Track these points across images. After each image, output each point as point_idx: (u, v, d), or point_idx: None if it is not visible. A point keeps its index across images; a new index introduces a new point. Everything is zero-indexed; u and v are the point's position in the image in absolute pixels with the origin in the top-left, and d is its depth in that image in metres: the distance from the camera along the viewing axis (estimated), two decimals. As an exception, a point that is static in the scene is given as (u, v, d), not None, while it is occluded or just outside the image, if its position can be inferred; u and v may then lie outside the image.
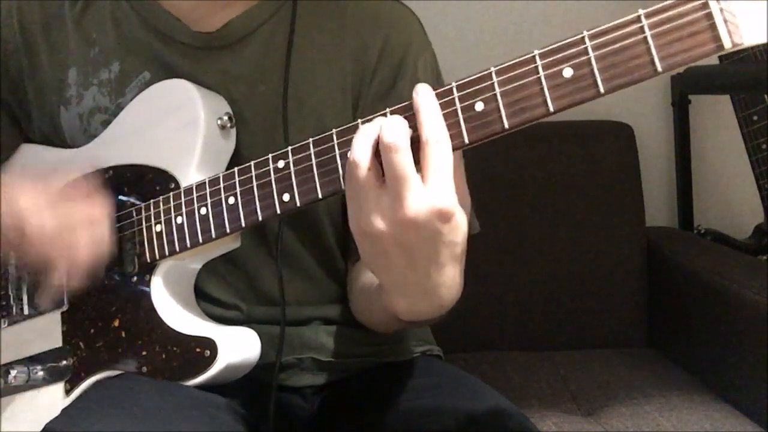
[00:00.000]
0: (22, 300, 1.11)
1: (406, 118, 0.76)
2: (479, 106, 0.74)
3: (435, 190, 0.73)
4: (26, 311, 1.10)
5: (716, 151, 2.20)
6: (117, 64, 1.08)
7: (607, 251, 1.92)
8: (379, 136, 0.74)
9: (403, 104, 0.78)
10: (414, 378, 1.09)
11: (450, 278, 0.80)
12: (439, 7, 2.08)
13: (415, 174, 0.73)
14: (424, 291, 0.81)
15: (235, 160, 1.00)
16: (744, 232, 2.09)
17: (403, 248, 0.76)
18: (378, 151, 0.75)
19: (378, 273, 0.84)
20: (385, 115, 0.79)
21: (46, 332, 1.08)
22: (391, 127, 0.73)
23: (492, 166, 1.88)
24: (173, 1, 1.06)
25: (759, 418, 1.48)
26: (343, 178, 0.81)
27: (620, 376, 1.69)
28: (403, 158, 0.73)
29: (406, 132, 0.74)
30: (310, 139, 0.84)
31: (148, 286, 0.99)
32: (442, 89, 0.76)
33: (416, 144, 0.74)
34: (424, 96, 0.76)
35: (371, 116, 0.80)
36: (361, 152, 0.75)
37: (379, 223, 0.75)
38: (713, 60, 1.85)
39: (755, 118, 1.95)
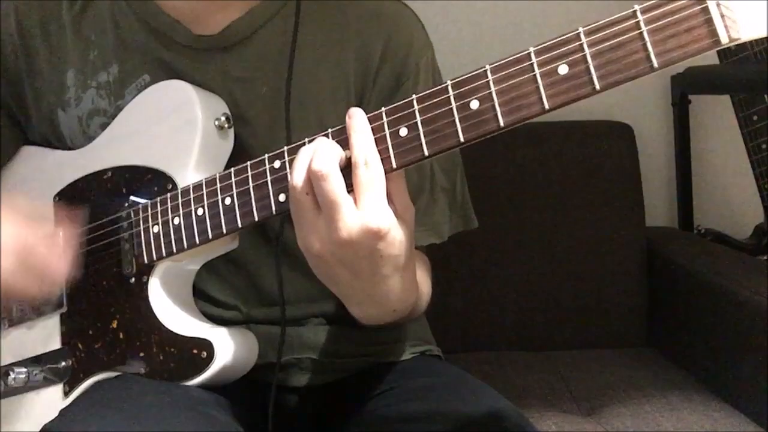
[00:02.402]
0: (22, 301, 1.11)
1: (342, 141, 0.80)
2: (474, 105, 0.74)
3: (366, 212, 0.76)
4: (26, 313, 1.10)
5: (716, 151, 2.19)
6: (116, 67, 1.08)
7: (607, 251, 1.92)
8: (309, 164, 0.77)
9: (340, 127, 0.81)
10: (413, 378, 1.09)
11: (397, 287, 0.85)
12: (439, 7, 2.08)
13: (346, 197, 0.76)
14: (373, 300, 0.87)
15: (238, 161, 1.00)
16: (744, 232, 2.09)
17: (344, 265, 0.81)
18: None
19: (328, 285, 0.88)
20: (327, 135, 0.82)
21: (45, 334, 1.08)
22: (319, 155, 0.77)
23: (492, 166, 1.87)
24: (173, 3, 1.06)
25: (759, 418, 1.47)
26: None
27: (620, 376, 1.68)
28: (331, 185, 0.76)
29: (334, 158, 0.77)
30: (306, 140, 0.84)
31: (146, 287, 1.00)
32: (438, 88, 0.76)
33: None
34: (356, 120, 0.79)
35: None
36: (298, 177, 0.79)
37: (317, 244, 0.80)
38: (713, 60, 1.85)
39: (755, 118, 1.95)
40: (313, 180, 0.77)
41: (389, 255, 0.80)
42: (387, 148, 0.79)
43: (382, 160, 0.79)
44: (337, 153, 0.79)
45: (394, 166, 0.79)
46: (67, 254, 1.04)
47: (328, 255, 0.80)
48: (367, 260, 0.80)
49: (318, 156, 0.77)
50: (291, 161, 0.85)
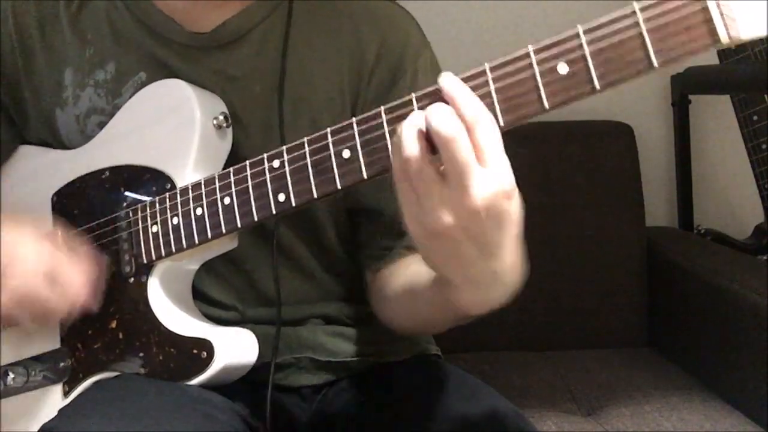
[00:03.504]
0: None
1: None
2: (474, 104, 0.74)
3: (494, 171, 0.71)
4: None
5: (716, 151, 2.19)
6: (112, 65, 1.08)
7: (607, 251, 1.92)
8: (432, 131, 0.71)
9: (427, 90, 0.76)
10: (412, 378, 1.09)
11: (516, 259, 0.79)
12: (439, 7, 2.08)
13: (475, 159, 0.71)
14: (494, 277, 0.79)
15: (233, 160, 0.99)
16: (744, 232, 2.09)
17: (472, 237, 0.74)
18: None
19: (446, 270, 0.81)
20: (409, 103, 0.77)
21: (44, 334, 1.07)
22: (443, 118, 0.70)
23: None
24: (168, 1, 1.06)
25: (759, 418, 1.48)
26: (339, 177, 0.81)
27: (620, 376, 1.68)
28: (463, 145, 0.70)
29: (457, 118, 0.71)
30: (305, 139, 0.84)
31: (145, 287, 0.99)
32: (436, 87, 0.76)
33: None
34: (453, 83, 0.73)
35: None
36: (412, 148, 0.71)
37: (446, 217, 0.72)
38: (713, 60, 1.85)
39: (755, 118, 1.95)
40: (442, 146, 0.70)
41: (514, 221, 0.74)
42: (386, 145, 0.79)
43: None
44: (454, 112, 0.72)
45: None
46: (88, 276, 1.01)
47: (456, 230, 0.72)
48: (496, 228, 0.73)
49: (443, 120, 0.70)
50: (291, 160, 0.85)
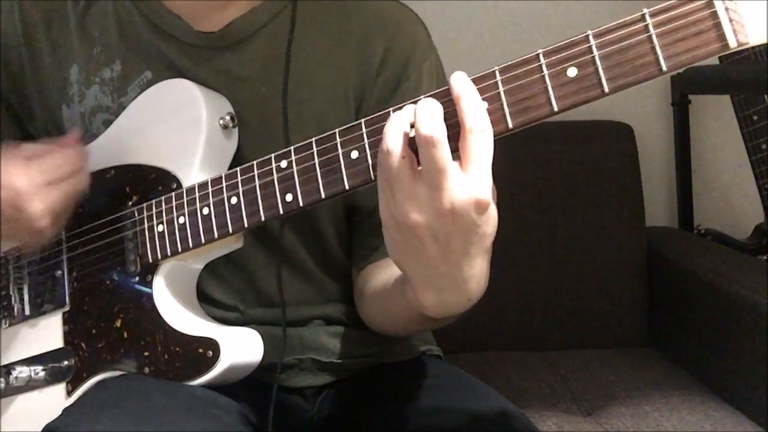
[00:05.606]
0: (23, 300, 1.11)
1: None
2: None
3: (474, 180, 0.72)
4: (27, 311, 1.10)
5: (716, 151, 2.20)
6: (119, 63, 1.08)
7: (607, 251, 1.93)
8: (415, 127, 0.72)
9: (437, 92, 0.76)
10: (414, 378, 1.09)
11: (480, 271, 0.80)
12: (439, 7, 2.08)
13: (453, 164, 0.72)
14: (454, 284, 0.80)
15: (237, 161, 1.00)
16: (744, 232, 2.10)
17: (436, 239, 0.75)
18: (410, 139, 0.73)
19: (407, 265, 0.82)
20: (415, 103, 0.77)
21: (47, 333, 1.08)
22: (427, 119, 0.71)
23: (492, 166, 1.87)
24: (176, 1, 1.06)
25: (759, 418, 1.48)
26: (347, 178, 0.82)
27: (620, 376, 1.69)
28: (442, 151, 0.71)
29: (442, 122, 0.72)
30: (313, 139, 0.84)
31: (150, 286, 0.99)
32: (445, 89, 0.76)
33: (453, 131, 0.72)
34: (463, 84, 0.74)
35: (374, 116, 0.80)
36: (393, 141, 0.73)
37: (414, 213, 0.74)
38: (713, 60, 1.85)
39: (755, 118, 1.96)
40: (421, 146, 0.71)
41: (483, 233, 0.75)
42: None
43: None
44: (442, 115, 0.73)
45: None
46: (72, 149, 1.02)
47: (423, 228, 0.74)
48: (462, 236, 0.75)
49: (426, 120, 0.71)
50: (298, 161, 0.85)
